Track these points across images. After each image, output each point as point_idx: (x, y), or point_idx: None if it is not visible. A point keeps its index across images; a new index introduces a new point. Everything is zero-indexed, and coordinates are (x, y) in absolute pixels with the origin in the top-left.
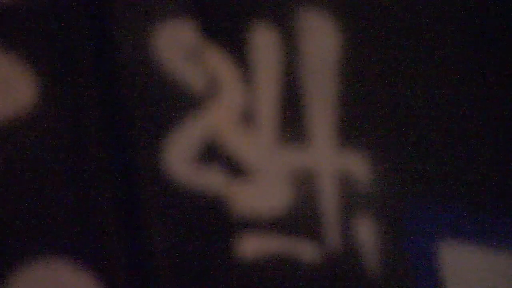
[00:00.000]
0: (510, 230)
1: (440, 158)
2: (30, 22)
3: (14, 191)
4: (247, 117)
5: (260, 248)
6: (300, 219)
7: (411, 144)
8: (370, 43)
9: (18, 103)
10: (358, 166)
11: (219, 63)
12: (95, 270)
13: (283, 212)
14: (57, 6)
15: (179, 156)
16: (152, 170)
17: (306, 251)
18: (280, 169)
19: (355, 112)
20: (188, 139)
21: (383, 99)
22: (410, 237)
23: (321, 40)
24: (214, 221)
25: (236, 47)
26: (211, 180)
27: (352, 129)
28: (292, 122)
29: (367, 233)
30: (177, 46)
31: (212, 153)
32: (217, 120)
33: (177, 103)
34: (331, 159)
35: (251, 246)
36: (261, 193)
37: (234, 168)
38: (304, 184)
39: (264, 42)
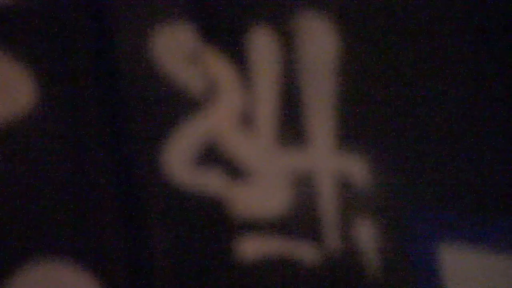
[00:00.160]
0: (510, 232)
1: (440, 159)
2: (30, 23)
3: (14, 191)
4: (246, 119)
5: (259, 250)
6: (300, 220)
7: (410, 145)
8: (368, 44)
9: (17, 103)
10: (357, 167)
11: (218, 65)
12: (95, 270)
13: (283, 213)
14: (57, 7)
15: (179, 157)
16: (152, 171)
17: (305, 253)
18: (279, 171)
19: (354, 114)
20: (188, 140)
21: (382, 100)
22: (410, 239)
23: (320, 42)
24: (214, 223)
25: (235, 50)
26: (211, 181)
27: (351, 131)
28: (291, 124)
29: (366, 235)
30: (176, 48)
31: (211, 155)
32: (216, 122)
33: (176, 105)
34: (330, 161)
35: (251, 248)
36: (261, 195)
37: (234, 170)
38: (304, 186)
39: (262, 44)
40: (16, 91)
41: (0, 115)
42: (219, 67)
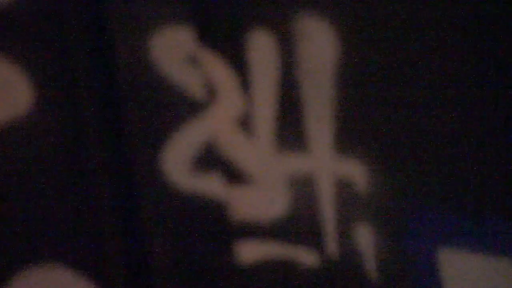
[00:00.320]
0: (509, 234)
1: (439, 162)
2: (28, 24)
3: (12, 193)
4: (245, 122)
5: (258, 253)
6: (299, 224)
7: (410, 149)
8: (367, 46)
9: (15, 105)
10: (357, 171)
11: (217, 68)
12: (93, 274)
13: (282, 217)
14: (55, 10)
15: (177, 160)
16: (151, 174)
17: (305, 256)
18: (279, 174)
19: (353, 117)
20: (186, 144)
21: (381, 103)
22: (409, 243)
23: (319, 45)
24: (213, 226)
25: (233, 52)
26: (210, 185)
27: (351, 134)
28: (290, 127)
29: (366, 239)
30: (175, 52)
31: (210, 158)
32: (215, 124)
33: (175, 107)
34: (330, 164)
35: (250, 251)
36: (260, 199)
37: (232, 173)
38: (303, 189)
39: (261, 47)
40: (14, 92)
41: None
42: (218, 70)
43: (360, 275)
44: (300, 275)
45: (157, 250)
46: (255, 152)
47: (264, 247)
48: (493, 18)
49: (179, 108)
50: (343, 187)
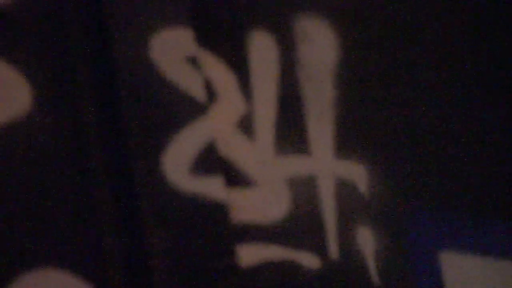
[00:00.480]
0: (510, 235)
1: (441, 164)
2: (28, 24)
3: (12, 193)
4: (246, 124)
5: (259, 256)
6: (300, 226)
7: (411, 150)
8: (367, 47)
9: (15, 106)
10: (358, 172)
11: (217, 69)
12: (92, 275)
13: (283, 219)
14: (55, 10)
15: (178, 162)
16: (151, 176)
17: (306, 259)
18: (279, 176)
19: (354, 118)
20: (187, 145)
21: (382, 104)
22: (410, 244)
23: (319, 46)
24: (213, 228)
25: (234, 54)
26: (210, 186)
27: (352, 135)
28: (291, 129)
29: (367, 240)
30: (175, 52)
31: (211, 160)
32: (216, 126)
33: (176, 109)
34: (331, 166)
35: (251, 254)
36: (260, 200)
37: (233, 175)
38: (304, 191)
39: (262, 48)
40: (14, 92)
41: None
42: (218, 71)
43: (361, 277)
44: (301, 277)
45: (157, 251)
46: (256, 154)
47: (265, 249)
48: (493, 18)
49: (180, 109)
50: (344, 189)
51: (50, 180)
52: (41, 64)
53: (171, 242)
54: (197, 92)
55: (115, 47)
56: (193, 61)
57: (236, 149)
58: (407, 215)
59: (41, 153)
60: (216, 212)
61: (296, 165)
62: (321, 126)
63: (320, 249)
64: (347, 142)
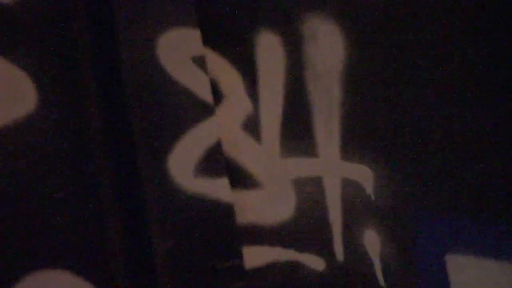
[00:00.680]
0: None
1: (449, 167)
2: (34, 26)
3: (15, 192)
4: (252, 124)
5: (265, 257)
6: (306, 228)
7: (417, 153)
8: (374, 49)
9: (20, 106)
10: (364, 174)
11: (223, 70)
12: (96, 276)
13: (288, 220)
14: (61, 11)
15: (183, 163)
16: (157, 177)
17: (312, 260)
18: (286, 178)
19: (360, 119)
20: (193, 146)
21: (389, 105)
22: (416, 246)
23: (326, 46)
24: (219, 229)
25: (240, 54)
26: (216, 187)
27: (358, 137)
28: (298, 130)
29: (372, 242)
30: (181, 53)
31: (217, 161)
32: (222, 127)
33: (182, 110)
34: (337, 168)
35: (256, 254)
36: (266, 202)
37: (239, 176)
38: (310, 193)
39: (268, 48)
40: (19, 92)
41: (2, 118)
42: (225, 71)
43: (366, 278)
44: (306, 278)
45: (161, 251)
46: (262, 155)
47: (271, 250)
48: (493, 19)
49: (186, 110)
50: (350, 190)
51: (55, 180)
52: (47, 64)
53: (176, 242)
54: (203, 92)
55: (121, 47)
56: (199, 62)
57: (242, 150)
58: (413, 217)
59: (46, 153)
60: (221, 213)
61: (302, 166)
62: (328, 127)
63: (326, 250)
64: (354, 143)
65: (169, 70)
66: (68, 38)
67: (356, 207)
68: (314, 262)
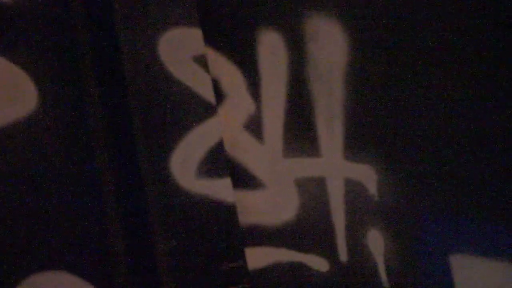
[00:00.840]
0: None
1: (453, 167)
2: (35, 25)
3: (16, 191)
4: (255, 124)
5: (268, 257)
6: (309, 228)
7: (421, 153)
8: (377, 48)
9: (21, 106)
10: (367, 174)
11: (225, 69)
12: (98, 276)
13: (291, 221)
14: (63, 11)
15: (185, 163)
16: (159, 177)
17: (315, 261)
18: (289, 178)
19: (363, 119)
20: (195, 146)
21: (392, 105)
22: (420, 248)
23: (329, 45)
24: (221, 229)
25: (242, 54)
26: (218, 187)
27: (361, 137)
28: (300, 129)
29: (376, 243)
30: (183, 53)
31: (219, 161)
32: (224, 126)
33: (184, 110)
34: (340, 168)
35: (259, 255)
36: (269, 202)
37: (241, 177)
38: (313, 193)
39: (270, 48)
40: (20, 92)
41: (3, 118)
42: (227, 71)
43: (370, 278)
44: (310, 279)
45: (163, 252)
46: (265, 155)
47: (274, 251)
48: (493, 19)
49: (188, 109)
50: (354, 191)
51: (55, 180)
52: (47, 64)
53: (178, 243)
54: (205, 92)
55: (122, 47)
56: (201, 61)
57: (245, 150)
58: (416, 216)
59: (47, 152)
60: (223, 213)
61: (305, 166)
62: (330, 126)
63: (329, 251)
64: (356, 143)
65: (170, 69)
66: (68, 38)
67: (359, 207)
68: (318, 263)
